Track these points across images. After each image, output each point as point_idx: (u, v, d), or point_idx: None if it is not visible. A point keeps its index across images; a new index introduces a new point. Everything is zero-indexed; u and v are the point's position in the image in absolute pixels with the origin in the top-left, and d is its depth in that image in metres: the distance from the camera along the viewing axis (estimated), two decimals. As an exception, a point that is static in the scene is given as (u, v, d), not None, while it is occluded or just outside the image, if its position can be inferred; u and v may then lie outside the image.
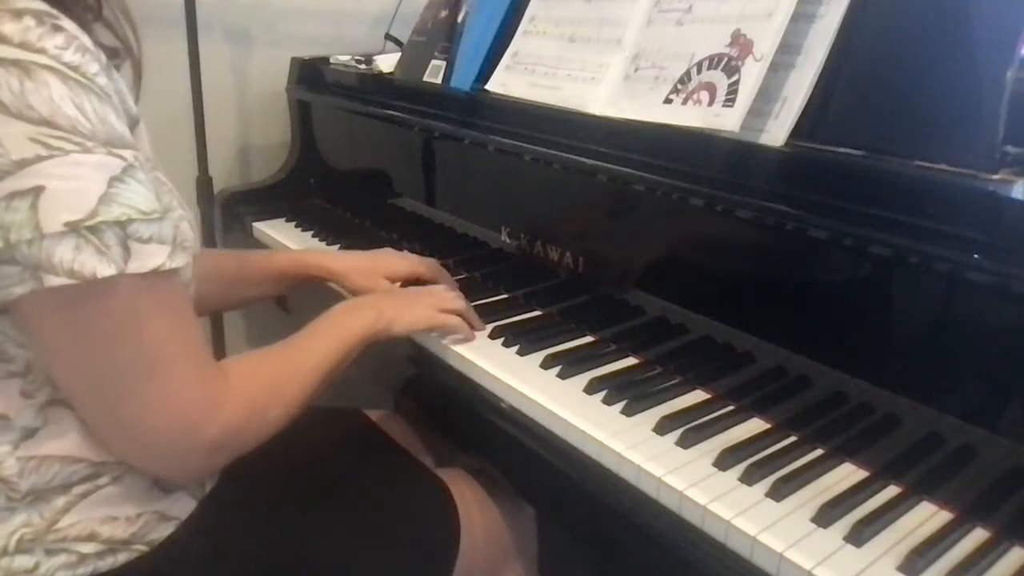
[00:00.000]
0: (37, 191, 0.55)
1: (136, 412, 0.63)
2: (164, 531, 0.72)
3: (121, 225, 0.58)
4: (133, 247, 0.59)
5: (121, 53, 0.68)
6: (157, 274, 0.61)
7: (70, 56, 0.57)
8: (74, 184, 0.56)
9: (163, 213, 0.62)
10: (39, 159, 0.55)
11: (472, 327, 0.96)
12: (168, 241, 0.62)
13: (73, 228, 0.56)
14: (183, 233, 0.68)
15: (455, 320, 0.93)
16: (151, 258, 0.60)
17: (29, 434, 0.66)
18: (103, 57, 0.61)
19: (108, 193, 0.57)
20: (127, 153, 0.60)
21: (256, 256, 1.08)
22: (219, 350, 1.59)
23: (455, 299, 0.95)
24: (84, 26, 0.61)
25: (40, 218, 0.55)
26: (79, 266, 0.56)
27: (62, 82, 0.56)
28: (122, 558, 0.69)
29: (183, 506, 0.73)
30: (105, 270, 0.57)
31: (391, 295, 0.97)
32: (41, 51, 0.56)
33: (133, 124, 0.65)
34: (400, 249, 1.10)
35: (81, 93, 0.57)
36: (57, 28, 0.57)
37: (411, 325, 0.89)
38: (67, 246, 0.56)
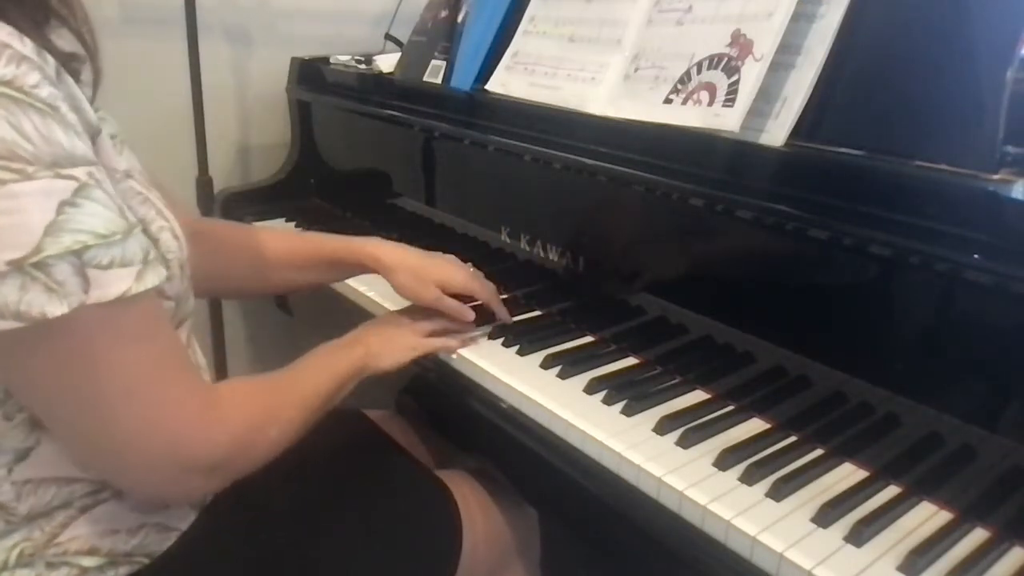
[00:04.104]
0: None
1: (121, 442, 0.60)
2: (165, 542, 0.71)
3: (76, 254, 0.52)
4: (92, 275, 0.53)
5: (81, 57, 0.62)
6: (123, 301, 0.55)
7: (2, 69, 0.50)
8: (14, 218, 0.50)
9: (127, 232, 0.56)
10: None
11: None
12: (135, 262, 0.56)
13: (17, 266, 0.50)
14: (164, 244, 0.64)
15: (439, 343, 0.93)
16: (113, 285, 0.54)
17: (22, 456, 0.63)
18: (50, 63, 0.54)
19: (56, 221, 0.51)
20: (79, 172, 0.53)
21: (305, 239, 1.01)
22: (219, 351, 1.59)
23: (438, 322, 0.94)
24: (26, 30, 0.53)
25: None
26: (26, 307, 0.51)
27: None
28: (124, 571, 0.68)
29: (184, 516, 0.73)
30: (56, 309, 0.51)
31: (378, 328, 0.92)
32: None
33: (94, 133, 0.58)
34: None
35: (17, 111, 0.51)
36: None
37: (397, 361, 0.87)
38: (12, 286, 0.50)
